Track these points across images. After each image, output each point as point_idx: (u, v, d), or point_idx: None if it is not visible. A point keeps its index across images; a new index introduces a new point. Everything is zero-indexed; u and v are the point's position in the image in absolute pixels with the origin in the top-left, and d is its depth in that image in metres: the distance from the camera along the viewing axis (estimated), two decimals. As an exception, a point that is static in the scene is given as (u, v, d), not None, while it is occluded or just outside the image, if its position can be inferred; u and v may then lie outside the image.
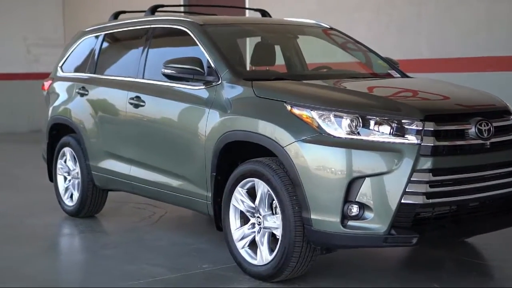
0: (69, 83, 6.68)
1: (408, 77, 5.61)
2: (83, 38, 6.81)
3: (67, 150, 6.59)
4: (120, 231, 6.05)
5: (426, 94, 4.64)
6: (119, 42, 6.49)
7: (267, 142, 4.34)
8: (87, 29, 6.85)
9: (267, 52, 5.83)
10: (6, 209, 7.09)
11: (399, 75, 5.59)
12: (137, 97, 5.57)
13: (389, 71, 5.63)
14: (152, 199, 6.01)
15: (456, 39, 8.17)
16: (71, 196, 6.62)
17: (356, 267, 4.88)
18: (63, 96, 6.70)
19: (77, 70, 6.74)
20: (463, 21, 8.07)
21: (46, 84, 7.11)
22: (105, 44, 6.42)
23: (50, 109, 6.85)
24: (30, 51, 16.01)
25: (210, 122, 4.81)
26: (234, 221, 4.67)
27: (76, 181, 6.51)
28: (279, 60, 6.01)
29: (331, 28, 6.08)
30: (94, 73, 6.38)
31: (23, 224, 6.35)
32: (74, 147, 6.45)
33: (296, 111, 4.26)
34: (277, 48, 5.98)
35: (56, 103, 6.75)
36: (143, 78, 5.65)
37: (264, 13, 6.59)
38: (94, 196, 6.40)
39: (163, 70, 4.97)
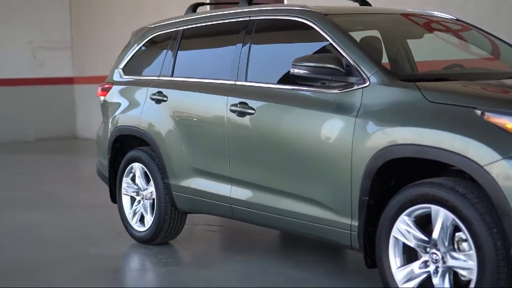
0: (137, 88, 5.70)
1: None
2: (149, 36, 5.83)
3: (136, 166, 5.60)
4: (211, 263, 5.07)
5: None
6: (204, 38, 5.47)
7: (457, 159, 3.41)
8: (153, 25, 5.88)
9: (375, 47, 4.89)
10: (60, 235, 6.03)
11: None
12: (243, 103, 4.60)
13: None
14: (235, 221, 5.06)
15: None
16: (141, 220, 5.64)
17: None
18: (129, 103, 5.72)
19: (145, 73, 5.77)
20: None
21: (103, 89, 6.11)
22: (185, 42, 5.42)
23: (111, 118, 5.87)
24: (36, 55, 15.02)
25: (358, 134, 3.87)
26: (394, 257, 3.74)
27: (148, 203, 5.53)
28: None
29: (458, 20, 5.16)
30: (172, 76, 5.40)
31: (90, 256, 5.34)
32: (147, 163, 5.46)
33: (496, 119, 3.34)
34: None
35: (120, 111, 5.77)
36: (246, 80, 4.71)
37: (363, 2, 5.67)
38: (172, 220, 5.41)
39: (292, 69, 4.04)
